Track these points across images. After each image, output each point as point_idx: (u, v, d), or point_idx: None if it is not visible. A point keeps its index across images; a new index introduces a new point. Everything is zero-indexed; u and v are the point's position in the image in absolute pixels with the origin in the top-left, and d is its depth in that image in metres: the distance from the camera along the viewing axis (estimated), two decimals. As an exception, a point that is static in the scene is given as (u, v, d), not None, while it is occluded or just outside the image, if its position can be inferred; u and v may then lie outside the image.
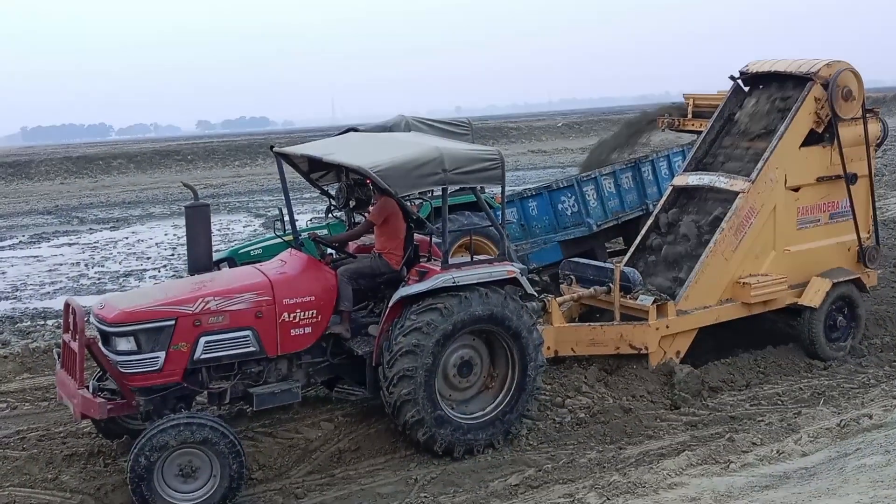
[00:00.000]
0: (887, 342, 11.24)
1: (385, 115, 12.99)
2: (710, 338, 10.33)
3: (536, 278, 12.95)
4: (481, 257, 8.47)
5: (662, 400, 9.21)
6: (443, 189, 7.93)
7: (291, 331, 7.76)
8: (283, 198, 8.78)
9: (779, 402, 9.21)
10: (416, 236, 8.72)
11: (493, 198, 12.45)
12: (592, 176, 14.23)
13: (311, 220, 14.05)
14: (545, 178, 31.90)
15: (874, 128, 11.19)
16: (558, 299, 9.80)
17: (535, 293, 8.60)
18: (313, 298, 7.84)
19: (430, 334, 7.69)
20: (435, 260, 8.41)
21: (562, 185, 13.99)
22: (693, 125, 13.23)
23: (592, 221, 13.89)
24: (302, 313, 7.79)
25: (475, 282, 7.94)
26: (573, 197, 13.90)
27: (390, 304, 7.90)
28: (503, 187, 8.15)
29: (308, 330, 7.84)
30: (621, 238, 14.96)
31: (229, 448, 6.97)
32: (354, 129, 11.70)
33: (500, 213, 8.56)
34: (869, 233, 11.38)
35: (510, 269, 8.14)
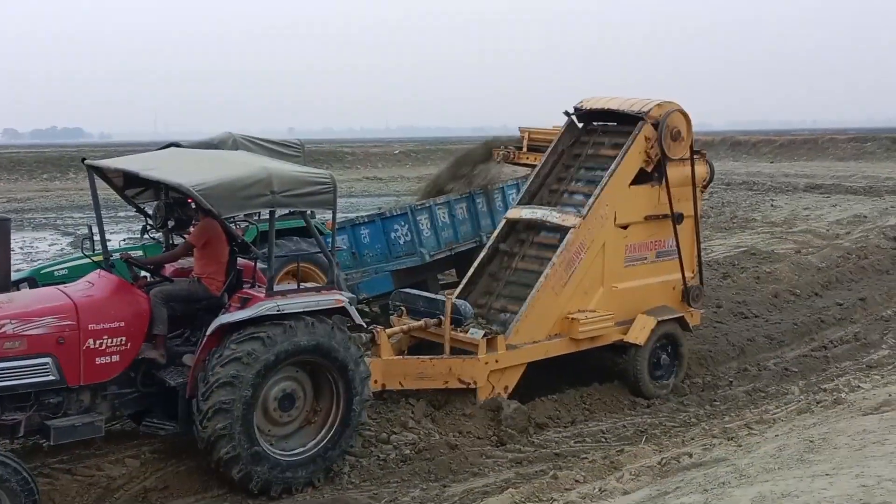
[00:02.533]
0: (708, 381, 11.64)
1: (212, 132, 12.72)
2: (540, 372, 10.54)
3: (366, 308, 12.96)
4: (308, 285, 8.39)
5: (489, 436, 9.32)
6: (270, 212, 7.83)
7: (97, 359, 7.45)
8: (94, 214, 8.42)
9: (602, 439, 9.45)
10: (240, 261, 8.56)
11: (323, 224, 12.37)
12: (427, 205, 14.34)
13: (124, 240, 13.49)
14: (380, 206, 31.80)
15: (701, 169, 11.74)
16: (388, 331, 9.82)
17: (363, 324, 8.59)
18: (122, 324, 7.57)
19: (251, 365, 7.54)
20: (259, 286, 8.27)
21: (395, 213, 14.10)
22: (528, 158, 13.51)
23: (425, 251, 14.01)
24: (109, 340, 7.49)
25: (301, 310, 7.86)
26: (406, 226, 14.00)
27: (208, 333, 7.72)
28: (334, 213, 8.11)
29: (115, 358, 7.55)
30: (454, 270, 15.13)
31: (21, 485, 6.59)
32: (177, 145, 11.52)
33: (330, 239, 8.52)
34: (694, 272, 11.89)
35: (338, 298, 8.10)
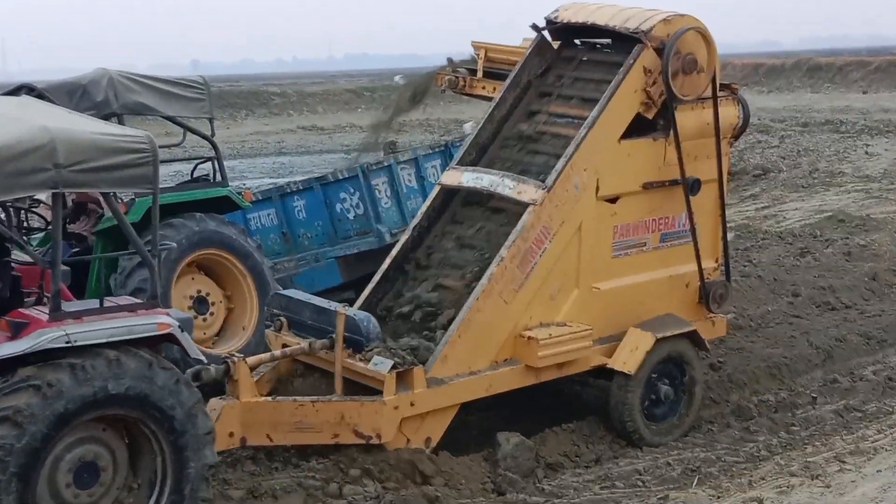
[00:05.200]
0: (783, 399, 11.70)
1: (85, 70, 12.94)
2: (546, 394, 10.75)
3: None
4: (121, 301, 8.16)
5: (482, 482, 9.52)
6: (54, 195, 7.63)
7: None
8: None
9: (639, 482, 9.53)
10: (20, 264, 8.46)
11: (240, 193, 12.91)
12: (385, 164, 14.68)
13: None
14: (321, 168, 32.24)
15: (729, 113, 11.52)
16: (251, 359, 9.58)
17: (201, 357, 8.43)
18: None
19: (25, 428, 7.22)
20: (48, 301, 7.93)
21: (342, 177, 14.46)
22: (483, 88, 13.48)
23: (385, 229, 14.23)
24: None
25: (104, 341, 7.57)
26: (357, 193, 14.33)
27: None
28: (156, 196, 7.93)
29: None
30: None
31: None
32: (29, 88, 11.89)
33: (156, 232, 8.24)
34: (717, 262, 11.72)
35: (162, 320, 7.86)
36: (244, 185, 27.21)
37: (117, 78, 12.28)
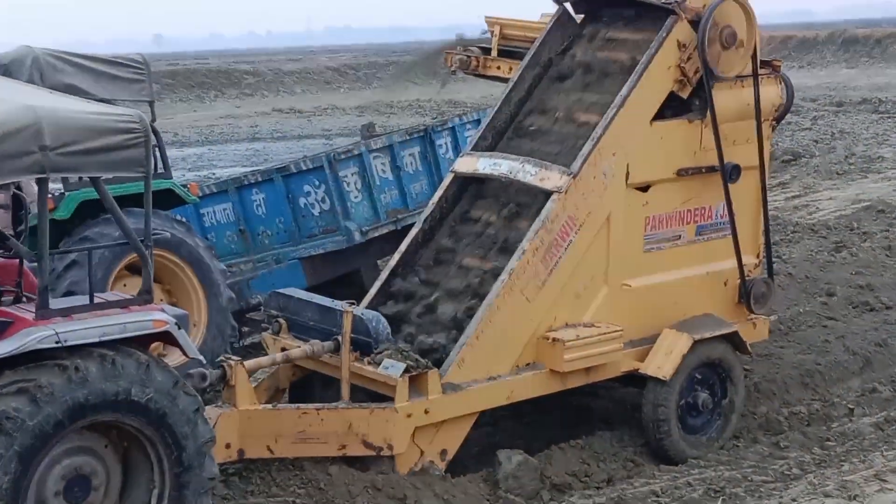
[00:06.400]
0: (816, 410, 11.79)
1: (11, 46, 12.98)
2: (553, 405, 10.75)
3: (261, 319, 12.87)
4: (112, 296, 8.40)
5: None
6: (40, 181, 7.74)
7: None
8: None
9: None
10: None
11: (185, 186, 12.94)
12: (355, 152, 14.50)
13: None
14: (297, 154, 32.07)
15: (771, 92, 11.67)
16: (249, 363, 9.70)
17: (200, 357, 8.57)
18: None
19: (12, 436, 7.43)
20: (30, 298, 8.20)
21: (305, 167, 14.40)
22: (499, 69, 13.42)
23: (354, 227, 14.20)
24: None
25: (96, 341, 7.76)
26: (323, 186, 14.28)
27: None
28: (148, 181, 8.08)
29: None
30: None
31: None
32: None
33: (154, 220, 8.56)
34: (759, 257, 11.89)
35: (158, 317, 8.04)
36: (213, 174, 26.98)
37: (43, 57, 12.24)
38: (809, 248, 17.57)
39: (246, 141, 40.74)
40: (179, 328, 8.16)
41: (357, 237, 14.18)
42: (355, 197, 14.39)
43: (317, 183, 14.28)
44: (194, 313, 12.57)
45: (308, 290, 13.95)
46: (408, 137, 15.01)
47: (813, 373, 12.63)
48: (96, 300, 8.07)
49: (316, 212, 14.33)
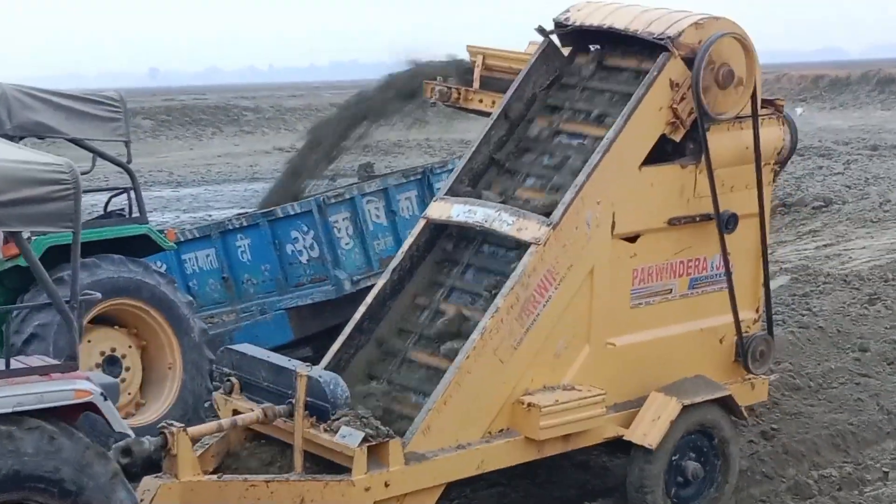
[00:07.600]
0: (848, 473, 11.73)
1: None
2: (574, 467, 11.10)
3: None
4: (32, 362, 8.17)
5: None
6: None
7: None
8: None
9: None
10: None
11: (163, 233, 12.94)
12: (347, 196, 14.46)
13: None
14: (301, 196, 32.51)
15: (773, 134, 11.53)
16: (192, 430, 9.41)
17: (128, 431, 8.33)
18: None
19: None
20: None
21: (293, 212, 14.30)
22: (480, 102, 13.14)
23: (345, 276, 14.20)
24: None
25: (8, 411, 7.52)
26: (312, 232, 14.24)
27: None
28: (76, 233, 7.86)
29: None
30: None
31: None
32: None
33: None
34: (758, 312, 11.76)
35: (81, 387, 7.78)
36: (209, 216, 27.16)
37: (11, 93, 12.18)
38: (841, 301, 17.50)
39: (245, 181, 40.55)
40: (105, 399, 7.91)
41: (347, 287, 14.15)
42: (346, 244, 14.38)
43: (305, 228, 14.26)
44: (168, 355, 12.62)
45: (295, 342, 13.73)
46: (404, 180, 15.04)
47: (845, 433, 12.70)
48: (14, 365, 7.90)
49: (304, 259, 14.33)
